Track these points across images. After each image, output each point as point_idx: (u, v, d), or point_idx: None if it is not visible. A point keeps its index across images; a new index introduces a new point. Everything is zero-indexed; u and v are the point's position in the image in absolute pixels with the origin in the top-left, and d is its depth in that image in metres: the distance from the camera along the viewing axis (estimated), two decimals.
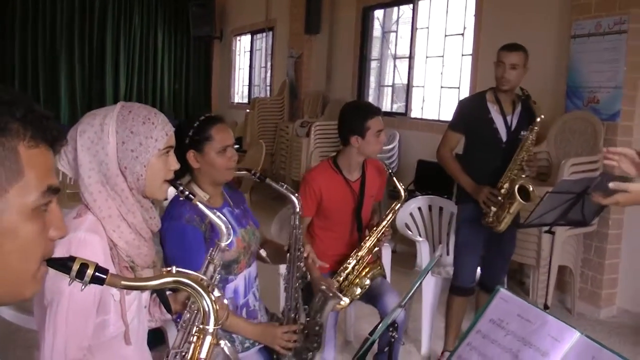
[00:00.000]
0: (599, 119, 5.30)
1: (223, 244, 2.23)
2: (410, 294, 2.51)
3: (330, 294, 2.80)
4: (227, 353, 2.55)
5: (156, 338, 2.59)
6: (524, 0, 6.37)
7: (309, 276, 2.99)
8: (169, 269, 1.63)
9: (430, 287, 4.53)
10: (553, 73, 5.93)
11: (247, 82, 14.58)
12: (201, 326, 1.52)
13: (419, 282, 2.49)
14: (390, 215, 3.75)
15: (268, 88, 12.95)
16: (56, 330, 1.85)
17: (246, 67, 14.58)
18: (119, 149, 1.95)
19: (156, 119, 2.01)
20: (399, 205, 3.77)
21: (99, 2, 14.29)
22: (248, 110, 11.70)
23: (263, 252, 2.95)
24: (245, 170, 2.83)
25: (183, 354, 1.79)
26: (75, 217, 1.96)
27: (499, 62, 3.98)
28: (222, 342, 2.49)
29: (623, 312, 5.41)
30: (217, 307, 1.50)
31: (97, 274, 1.34)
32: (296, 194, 2.83)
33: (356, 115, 3.69)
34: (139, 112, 2.00)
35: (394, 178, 3.77)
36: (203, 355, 1.51)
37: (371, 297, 3.74)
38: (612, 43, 5.25)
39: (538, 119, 3.90)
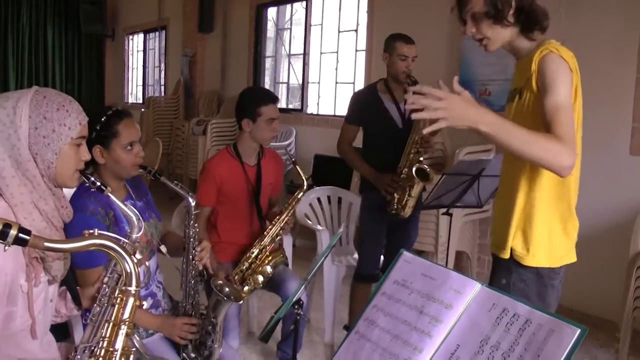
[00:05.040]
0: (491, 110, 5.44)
1: (134, 236, 2.20)
2: (315, 269, 2.54)
3: (224, 297, 2.78)
4: (136, 345, 2.51)
5: (59, 333, 2.52)
6: None
7: (205, 274, 2.97)
8: (91, 231, 1.59)
9: (332, 276, 4.58)
10: (446, 67, 6.09)
11: (141, 82, 14.38)
12: (124, 288, 1.50)
13: (323, 258, 2.52)
14: (293, 203, 3.77)
15: (162, 87, 12.81)
16: None
17: (139, 66, 14.37)
18: (31, 134, 1.88)
19: (71, 107, 1.96)
20: (301, 193, 3.79)
21: None
22: (143, 110, 11.52)
23: (163, 248, 2.90)
24: (140, 167, 2.78)
25: (92, 348, 1.76)
26: None
27: (400, 55, 4.01)
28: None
29: None
30: (139, 270, 1.49)
31: (20, 234, 1.32)
32: (190, 193, 2.78)
33: (251, 99, 3.72)
34: (53, 99, 1.94)
35: (297, 167, 3.79)
36: (126, 316, 1.49)
37: (274, 284, 3.76)
38: None
39: None
